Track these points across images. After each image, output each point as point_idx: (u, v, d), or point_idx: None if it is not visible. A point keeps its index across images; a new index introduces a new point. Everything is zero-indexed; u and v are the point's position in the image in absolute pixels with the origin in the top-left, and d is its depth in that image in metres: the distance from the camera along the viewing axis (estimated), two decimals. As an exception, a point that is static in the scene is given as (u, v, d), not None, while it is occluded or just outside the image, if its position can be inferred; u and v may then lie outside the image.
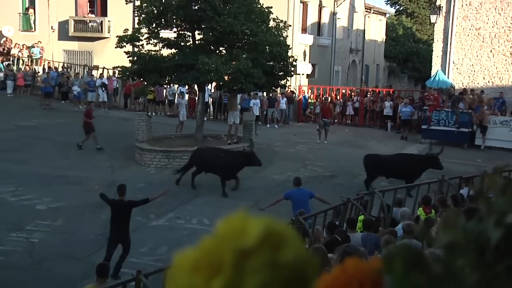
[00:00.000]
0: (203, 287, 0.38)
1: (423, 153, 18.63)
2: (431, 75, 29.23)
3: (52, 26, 34.77)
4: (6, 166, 18.12)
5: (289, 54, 22.33)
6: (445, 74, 29.08)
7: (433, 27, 32.10)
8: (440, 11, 29.55)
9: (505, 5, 28.11)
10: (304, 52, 32.18)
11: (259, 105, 26.42)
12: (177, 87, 26.14)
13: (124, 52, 21.59)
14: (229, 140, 21.60)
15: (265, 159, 21.05)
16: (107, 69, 29.76)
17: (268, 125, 27.63)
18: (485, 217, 0.66)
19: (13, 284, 10.01)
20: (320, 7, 34.71)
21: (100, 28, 33.63)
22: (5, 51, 33.77)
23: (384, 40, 44.63)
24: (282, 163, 20.59)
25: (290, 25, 25.52)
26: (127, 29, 22.19)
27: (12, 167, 18.00)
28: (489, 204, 0.67)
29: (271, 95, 27.59)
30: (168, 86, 26.60)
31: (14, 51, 33.67)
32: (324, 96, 29.49)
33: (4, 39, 34.37)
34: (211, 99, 28.29)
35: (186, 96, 25.99)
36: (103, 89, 28.55)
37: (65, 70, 32.59)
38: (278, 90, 25.38)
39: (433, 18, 30.63)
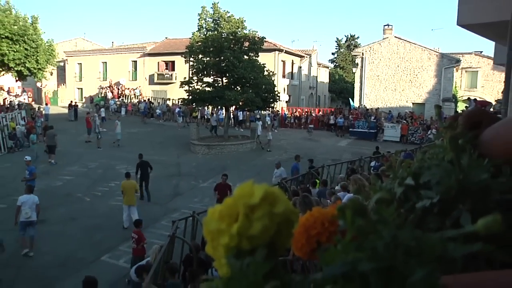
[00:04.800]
0: (226, 230, 0.36)
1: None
2: (352, 103, 30.39)
3: (145, 77, 34.94)
4: (122, 154, 18.18)
5: (276, 89, 22.24)
6: (360, 101, 29.81)
7: (354, 75, 32.21)
8: (358, 66, 29.84)
9: (391, 63, 28.68)
10: (284, 88, 32.06)
11: (261, 123, 23.79)
12: (211, 108, 25.32)
13: (184, 90, 21.62)
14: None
15: (264, 149, 21.04)
16: (174, 99, 29.80)
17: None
18: (392, 180, 0.64)
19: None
20: (292, 63, 34.66)
21: (171, 77, 33.56)
22: (121, 92, 34.11)
23: (328, 82, 44.54)
24: (273, 151, 20.53)
25: (276, 73, 25.48)
26: (185, 77, 22.25)
27: (125, 154, 18.01)
28: (394, 172, 0.65)
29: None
30: (205, 108, 26.17)
31: (126, 92, 34.03)
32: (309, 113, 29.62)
33: (121, 85, 34.56)
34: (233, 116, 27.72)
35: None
36: (181, 113, 27.76)
37: (152, 101, 32.61)
38: (270, 109, 25.11)
39: (354, 70, 31.11)
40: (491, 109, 17.53)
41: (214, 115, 25.07)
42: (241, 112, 25.69)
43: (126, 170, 15.88)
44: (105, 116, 26.42)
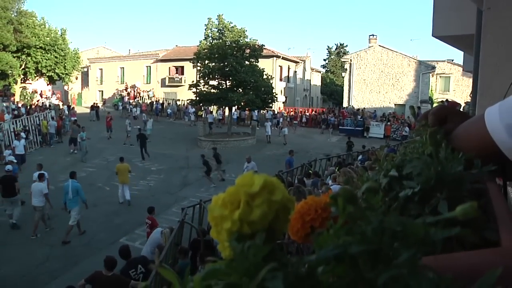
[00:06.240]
0: (229, 216, 0.36)
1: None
2: (343, 103, 30.02)
3: (158, 81, 34.73)
4: (137, 149, 17.85)
5: (274, 91, 22.06)
6: (349, 102, 29.57)
7: (343, 79, 32.04)
8: (347, 71, 29.72)
9: (376, 69, 28.50)
10: (281, 90, 31.81)
11: (270, 124, 23.12)
12: (217, 108, 24.80)
13: (192, 92, 21.42)
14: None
15: (263, 144, 20.92)
16: (183, 100, 29.51)
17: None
18: (378, 171, 0.64)
19: (143, 204, 10.06)
20: (289, 68, 34.32)
21: (180, 80, 33.28)
22: (137, 94, 33.87)
23: (320, 85, 44.18)
24: (271, 146, 20.43)
25: (274, 77, 25.40)
26: (193, 81, 22.08)
27: (138, 150, 17.74)
28: (380, 165, 0.64)
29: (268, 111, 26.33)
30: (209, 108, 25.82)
31: (141, 94, 33.78)
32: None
33: (137, 88, 34.34)
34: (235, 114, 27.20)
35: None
36: (194, 114, 26.95)
37: (164, 102, 32.27)
38: (268, 109, 24.83)
39: (343, 74, 30.97)
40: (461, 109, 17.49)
41: (211, 113, 25.37)
42: (256, 113, 25.12)
43: (141, 163, 16.04)
44: (136, 115, 25.95)
